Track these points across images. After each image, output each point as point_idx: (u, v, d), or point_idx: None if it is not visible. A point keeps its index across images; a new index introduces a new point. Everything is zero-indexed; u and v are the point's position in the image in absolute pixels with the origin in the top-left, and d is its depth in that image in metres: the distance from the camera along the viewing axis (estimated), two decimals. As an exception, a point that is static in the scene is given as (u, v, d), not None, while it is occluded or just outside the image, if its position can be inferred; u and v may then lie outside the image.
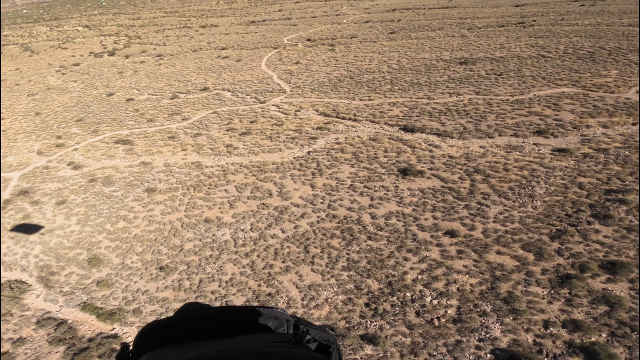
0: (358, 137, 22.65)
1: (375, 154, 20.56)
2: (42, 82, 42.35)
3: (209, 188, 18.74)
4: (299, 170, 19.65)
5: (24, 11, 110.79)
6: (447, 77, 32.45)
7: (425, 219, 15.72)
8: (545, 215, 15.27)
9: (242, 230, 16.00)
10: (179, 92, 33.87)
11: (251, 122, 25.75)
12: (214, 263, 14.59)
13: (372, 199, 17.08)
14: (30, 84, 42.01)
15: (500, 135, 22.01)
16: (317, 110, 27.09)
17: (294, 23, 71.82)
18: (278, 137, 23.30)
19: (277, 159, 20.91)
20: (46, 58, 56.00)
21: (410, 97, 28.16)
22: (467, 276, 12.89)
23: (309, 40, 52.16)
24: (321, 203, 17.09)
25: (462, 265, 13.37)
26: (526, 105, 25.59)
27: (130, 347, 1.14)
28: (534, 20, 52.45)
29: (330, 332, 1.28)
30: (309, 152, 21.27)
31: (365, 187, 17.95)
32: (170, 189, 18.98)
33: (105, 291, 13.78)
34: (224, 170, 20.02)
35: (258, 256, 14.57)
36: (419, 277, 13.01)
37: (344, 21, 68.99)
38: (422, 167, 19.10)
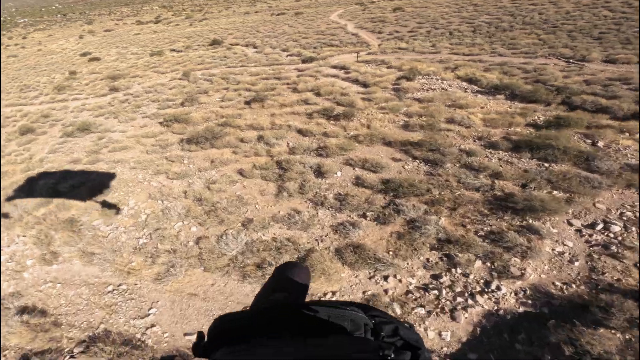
0: None
1: None
2: (52, 43, 29.21)
3: None
4: None
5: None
6: None
7: None
8: None
9: None
10: (172, 49, 17.01)
11: (248, 102, 7.33)
12: None
13: None
14: (39, 45, 29.11)
15: None
16: (472, 79, 7.71)
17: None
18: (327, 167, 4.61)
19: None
20: (90, 26, 44.31)
21: None
22: None
23: (407, -3, 31.99)
24: None
25: None
26: None
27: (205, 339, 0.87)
28: None
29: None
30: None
31: None
32: None
33: None
34: None
35: None
36: None
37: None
38: None
